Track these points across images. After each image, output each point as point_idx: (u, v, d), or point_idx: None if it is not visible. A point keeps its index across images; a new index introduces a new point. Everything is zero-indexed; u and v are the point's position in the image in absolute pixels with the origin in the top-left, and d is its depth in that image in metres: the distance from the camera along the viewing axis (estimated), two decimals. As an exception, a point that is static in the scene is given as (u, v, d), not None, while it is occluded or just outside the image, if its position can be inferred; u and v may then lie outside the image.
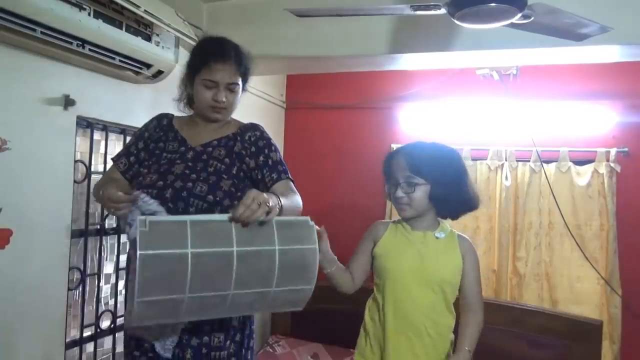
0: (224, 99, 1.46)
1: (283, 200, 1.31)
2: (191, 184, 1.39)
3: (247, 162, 1.49)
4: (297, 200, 1.49)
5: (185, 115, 1.59)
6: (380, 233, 1.78)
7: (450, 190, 1.62)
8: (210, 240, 1.17)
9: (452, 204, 1.66)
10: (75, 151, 1.90)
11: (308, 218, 1.30)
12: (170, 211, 1.37)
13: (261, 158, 1.50)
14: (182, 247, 1.14)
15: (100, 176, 2.11)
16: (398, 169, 1.64)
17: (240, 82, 1.49)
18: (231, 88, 1.47)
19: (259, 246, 1.21)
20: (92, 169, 2.06)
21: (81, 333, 2.04)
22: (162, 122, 1.57)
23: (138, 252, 1.10)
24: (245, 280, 1.19)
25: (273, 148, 1.54)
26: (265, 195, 1.22)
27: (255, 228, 1.21)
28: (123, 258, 2.19)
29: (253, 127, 1.57)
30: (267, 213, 1.20)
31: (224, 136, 1.52)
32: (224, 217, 1.21)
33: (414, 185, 1.61)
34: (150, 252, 1.11)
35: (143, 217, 1.15)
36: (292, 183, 1.54)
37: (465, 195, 1.66)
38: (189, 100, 1.56)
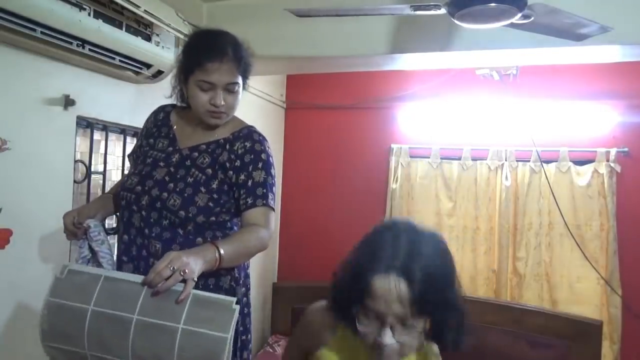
0: (222, 102, 1.33)
1: (226, 249, 1.18)
2: (166, 194, 1.32)
3: (229, 176, 1.36)
4: (254, 241, 1.29)
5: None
6: (317, 342, 1.12)
7: (455, 319, 1.04)
8: (116, 301, 1.10)
9: (452, 335, 1.05)
10: (75, 151, 1.89)
11: (234, 300, 1.09)
12: (143, 220, 1.34)
13: (242, 176, 1.35)
14: (86, 302, 1.10)
15: (100, 176, 2.12)
16: (391, 300, 0.95)
17: (240, 82, 1.36)
18: (230, 89, 1.34)
19: (162, 320, 1.07)
20: (92, 169, 2.06)
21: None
22: (158, 117, 1.51)
23: (46, 298, 1.14)
24: (142, 355, 1.07)
25: (260, 165, 1.36)
26: (185, 258, 1.08)
27: (168, 297, 1.08)
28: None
29: (246, 135, 1.40)
30: (185, 281, 1.07)
31: (214, 140, 1.40)
32: (140, 279, 1.11)
33: (415, 331, 0.98)
34: (57, 300, 1.13)
35: (66, 264, 1.18)
36: (269, 211, 1.35)
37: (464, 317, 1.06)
38: (182, 98, 1.46)
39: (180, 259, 1.08)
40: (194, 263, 1.10)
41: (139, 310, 1.08)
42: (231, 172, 1.36)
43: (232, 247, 1.22)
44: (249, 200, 1.33)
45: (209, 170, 1.36)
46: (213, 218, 1.35)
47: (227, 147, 1.38)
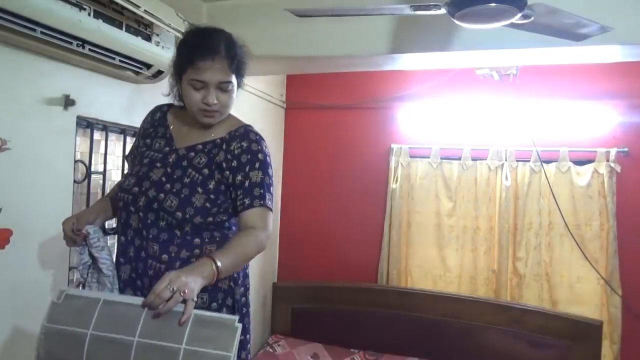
0: (215, 101, 1.31)
1: (223, 260, 1.18)
2: (163, 195, 1.31)
3: (226, 176, 1.34)
4: (251, 246, 1.28)
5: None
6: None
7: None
8: (115, 324, 1.09)
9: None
10: (75, 151, 1.89)
11: (236, 318, 1.10)
12: (141, 221, 1.33)
13: (239, 177, 1.33)
14: (85, 327, 1.09)
15: (100, 176, 2.12)
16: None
17: (233, 80, 1.34)
18: (223, 87, 1.32)
19: (164, 341, 1.06)
20: (92, 169, 2.06)
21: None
22: (155, 117, 1.50)
23: (43, 323, 1.12)
24: None
25: (257, 165, 1.34)
26: (184, 278, 1.08)
27: (168, 318, 1.08)
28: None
29: (242, 135, 1.38)
30: (184, 301, 1.07)
31: (210, 140, 1.39)
32: (139, 301, 1.10)
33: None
34: (54, 326, 1.12)
35: (63, 289, 1.17)
36: (266, 211, 1.33)
37: None
38: (180, 97, 1.44)
39: (179, 279, 1.08)
40: (193, 282, 1.10)
41: (139, 333, 1.07)
42: (228, 172, 1.34)
43: (229, 257, 1.21)
44: (246, 201, 1.32)
45: (206, 171, 1.35)
46: (210, 219, 1.34)
47: (224, 147, 1.37)
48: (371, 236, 3.37)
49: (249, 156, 1.35)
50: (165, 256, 1.31)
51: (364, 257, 3.39)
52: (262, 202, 1.32)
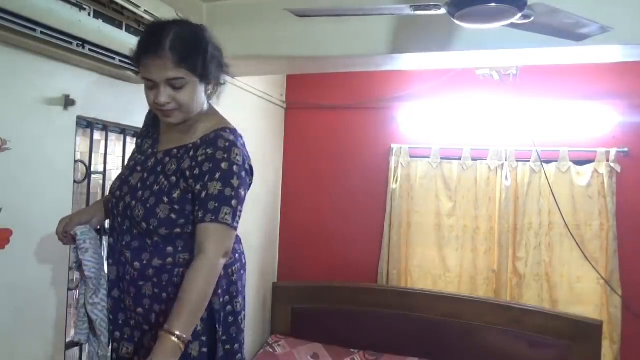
0: (165, 100, 1.22)
1: (180, 327, 1.13)
2: (134, 202, 1.27)
3: (191, 185, 1.25)
4: (202, 285, 1.18)
5: None
6: None
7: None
8: None
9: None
10: (75, 151, 1.89)
11: None
12: (120, 226, 1.32)
13: (198, 187, 1.23)
14: None
15: (100, 176, 2.12)
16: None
17: (186, 76, 1.22)
18: (174, 84, 1.22)
19: None
20: (92, 169, 2.05)
21: (81, 333, 2.03)
22: (150, 115, 1.48)
23: None
24: None
25: (217, 175, 1.22)
26: None
27: None
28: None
29: (210, 141, 1.26)
30: None
31: (184, 145, 1.30)
32: None
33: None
34: None
35: None
36: (218, 228, 1.20)
37: None
38: None
39: None
40: None
41: None
42: (191, 181, 1.25)
43: (182, 316, 1.15)
44: (199, 215, 1.21)
45: (173, 178, 1.27)
46: (178, 230, 1.26)
47: (192, 153, 1.27)
48: (371, 236, 3.37)
49: (210, 165, 1.23)
50: (137, 264, 1.29)
51: (364, 257, 3.39)
52: (214, 217, 1.20)
